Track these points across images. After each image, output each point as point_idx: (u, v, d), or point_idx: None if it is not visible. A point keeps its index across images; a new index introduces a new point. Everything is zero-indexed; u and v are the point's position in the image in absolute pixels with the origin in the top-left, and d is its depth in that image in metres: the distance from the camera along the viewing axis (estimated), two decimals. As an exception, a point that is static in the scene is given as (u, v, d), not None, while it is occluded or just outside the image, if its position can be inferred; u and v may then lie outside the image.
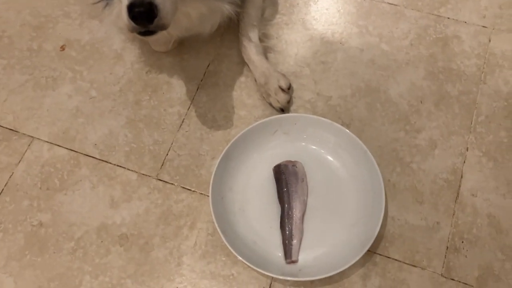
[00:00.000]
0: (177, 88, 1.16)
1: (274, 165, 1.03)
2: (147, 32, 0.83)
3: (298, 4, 1.25)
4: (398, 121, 1.09)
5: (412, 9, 1.21)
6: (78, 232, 1.01)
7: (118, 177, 1.07)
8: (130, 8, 0.78)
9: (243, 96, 1.14)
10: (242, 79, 1.16)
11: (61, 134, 1.12)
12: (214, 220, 0.94)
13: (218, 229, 0.93)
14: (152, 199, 1.04)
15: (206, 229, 1.00)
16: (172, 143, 1.09)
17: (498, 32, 1.16)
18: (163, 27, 0.83)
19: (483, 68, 1.12)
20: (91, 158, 1.09)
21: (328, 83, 1.14)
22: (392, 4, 1.22)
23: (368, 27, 1.20)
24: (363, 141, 1.00)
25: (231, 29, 1.18)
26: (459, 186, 1.01)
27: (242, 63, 1.16)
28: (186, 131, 1.11)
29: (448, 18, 1.19)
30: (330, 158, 1.03)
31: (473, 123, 1.07)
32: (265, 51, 1.17)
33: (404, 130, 1.07)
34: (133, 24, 0.80)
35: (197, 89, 1.15)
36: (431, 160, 1.04)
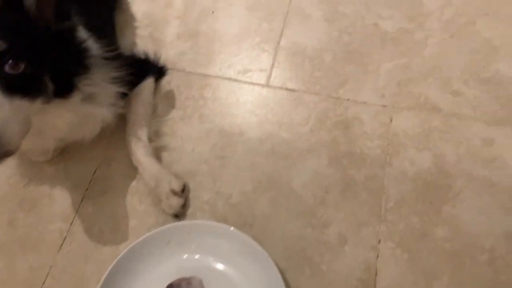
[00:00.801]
0: (60, 200, 1.03)
1: (167, 283, 0.89)
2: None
3: (193, 96, 1.18)
4: (303, 215, 0.99)
5: (311, 93, 1.17)
6: None
7: (-17, 318, 0.90)
8: None
9: (134, 202, 1.03)
10: (133, 183, 1.05)
11: None
12: None
13: None
14: None
15: None
16: (50, 268, 0.94)
17: (398, 110, 1.12)
18: (7, 154, 0.71)
19: (387, 149, 1.07)
20: (-49, 296, 0.92)
21: (228, 179, 1.05)
22: (290, 89, 1.18)
23: (267, 115, 1.14)
24: (267, 242, 0.90)
25: (120, 128, 1.09)
26: (375, 285, 0.91)
27: (133, 165, 1.05)
28: (68, 251, 0.97)
29: (348, 99, 1.15)
30: (229, 268, 0.91)
31: (382, 210, 0.99)
32: (158, 151, 1.08)
33: (311, 226, 0.98)
34: None
35: (82, 200, 1.03)
36: (342, 258, 0.94)
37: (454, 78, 1.16)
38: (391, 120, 1.11)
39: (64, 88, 0.84)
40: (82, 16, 0.93)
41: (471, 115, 1.10)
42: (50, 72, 0.79)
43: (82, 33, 0.91)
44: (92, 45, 0.92)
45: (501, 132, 1.06)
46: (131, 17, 1.32)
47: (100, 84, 0.94)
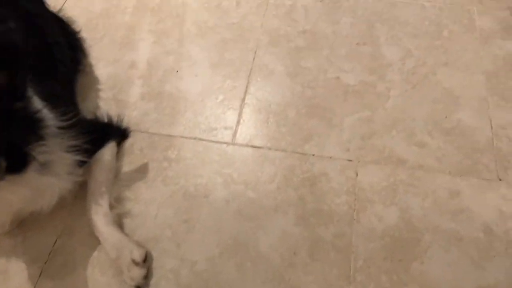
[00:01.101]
0: (16, 276, 0.98)
1: None
2: None
3: (157, 158, 1.16)
4: (271, 280, 0.96)
5: (277, 150, 1.16)
6: None
7: None
8: None
9: (96, 274, 0.98)
10: (95, 253, 1.01)
11: None
12: None
13: None
14: None
15: None
16: None
17: (364, 164, 1.12)
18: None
19: (354, 205, 1.06)
20: None
21: (193, 244, 1.02)
22: (256, 146, 1.17)
23: (232, 175, 1.12)
24: (233, 313, 0.86)
25: (82, 195, 1.05)
26: None
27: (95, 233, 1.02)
28: (23, 333, 0.91)
29: (313, 155, 1.14)
30: None
31: (351, 270, 0.97)
32: (120, 217, 1.04)
33: (279, 291, 0.95)
34: None
35: (41, 274, 0.98)
36: (311, 324, 0.91)
37: (417, 129, 1.17)
38: (357, 175, 1.10)
39: (16, 165, 0.81)
40: (38, 85, 0.92)
41: (436, 166, 1.10)
42: (1, 151, 0.77)
43: (37, 103, 0.89)
44: (47, 115, 0.90)
45: (466, 183, 1.07)
46: (95, 80, 1.31)
47: (56, 154, 0.92)
